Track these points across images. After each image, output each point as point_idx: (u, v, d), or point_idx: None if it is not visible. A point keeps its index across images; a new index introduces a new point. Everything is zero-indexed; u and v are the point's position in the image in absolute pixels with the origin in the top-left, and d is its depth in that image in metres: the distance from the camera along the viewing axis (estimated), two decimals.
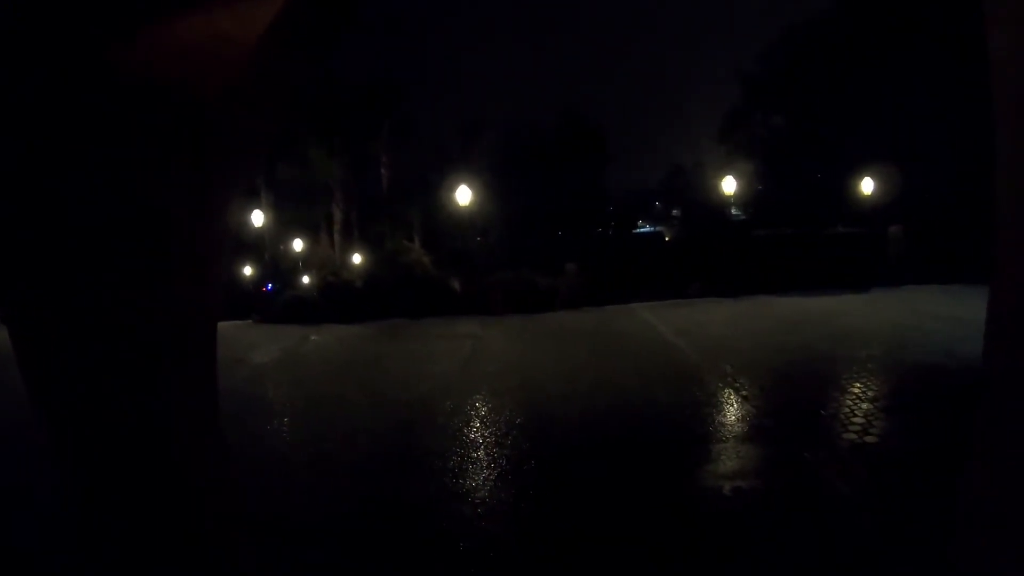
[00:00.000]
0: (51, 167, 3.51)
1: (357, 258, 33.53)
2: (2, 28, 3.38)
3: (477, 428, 9.67)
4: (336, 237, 37.62)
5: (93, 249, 3.59)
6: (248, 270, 37.25)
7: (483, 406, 10.86)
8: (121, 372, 3.70)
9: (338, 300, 27.36)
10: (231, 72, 3.55)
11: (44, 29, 3.37)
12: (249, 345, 19.48)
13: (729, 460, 7.74)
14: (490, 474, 7.74)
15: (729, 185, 29.91)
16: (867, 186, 27.82)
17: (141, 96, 3.45)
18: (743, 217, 41.50)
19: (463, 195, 27.67)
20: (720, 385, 11.04)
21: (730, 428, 9.00)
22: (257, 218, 34.03)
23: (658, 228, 60.74)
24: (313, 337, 21.59)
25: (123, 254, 3.62)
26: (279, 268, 38.17)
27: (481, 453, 8.51)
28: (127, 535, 3.84)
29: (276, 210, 36.82)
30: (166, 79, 3.44)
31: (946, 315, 16.12)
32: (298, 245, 37.41)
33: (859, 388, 10.28)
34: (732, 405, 10.02)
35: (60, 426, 3.77)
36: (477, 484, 7.46)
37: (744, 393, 10.45)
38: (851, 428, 8.33)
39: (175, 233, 3.73)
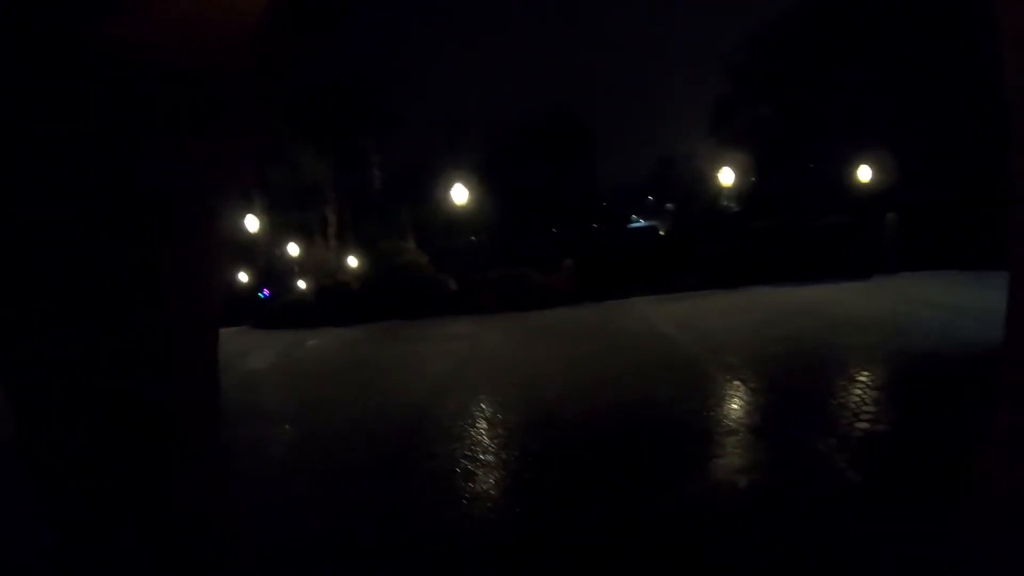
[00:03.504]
0: (32, 154, 3.32)
1: (352, 260, 33.34)
2: None
3: (479, 429, 9.52)
4: (331, 240, 37.39)
5: (78, 245, 3.41)
6: (243, 276, 36.98)
7: (485, 407, 10.72)
8: (114, 379, 3.53)
9: (334, 303, 27.21)
10: (231, 49, 3.38)
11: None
12: (244, 351, 19.33)
13: (741, 453, 7.61)
14: (494, 476, 7.61)
15: (727, 176, 29.82)
16: (863, 174, 27.73)
17: (135, 72, 3.27)
18: (736, 209, 41.33)
19: (458, 194, 27.50)
20: (726, 377, 10.91)
21: (739, 420, 8.87)
22: (251, 223, 33.71)
23: (652, 222, 60.38)
24: (310, 341, 21.42)
25: (113, 251, 3.44)
26: (274, 273, 37.92)
27: (484, 455, 8.36)
28: (113, 548, 3.68)
29: (269, 214, 36.51)
30: (163, 54, 3.26)
31: (943, 302, 16.05)
32: (293, 249, 37.11)
33: (866, 376, 10.18)
34: (739, 397, 9.90)
35: (41, 436, 3.59)
36: (481, 487, 7.32)
37: (751, 385, 10.33)
38: (862, 416, 8.21)
39: (169, 228, 3.57)
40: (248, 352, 19.20)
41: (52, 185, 3.36)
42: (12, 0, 3.20)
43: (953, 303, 15.40)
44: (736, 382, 10.57)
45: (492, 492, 7.18)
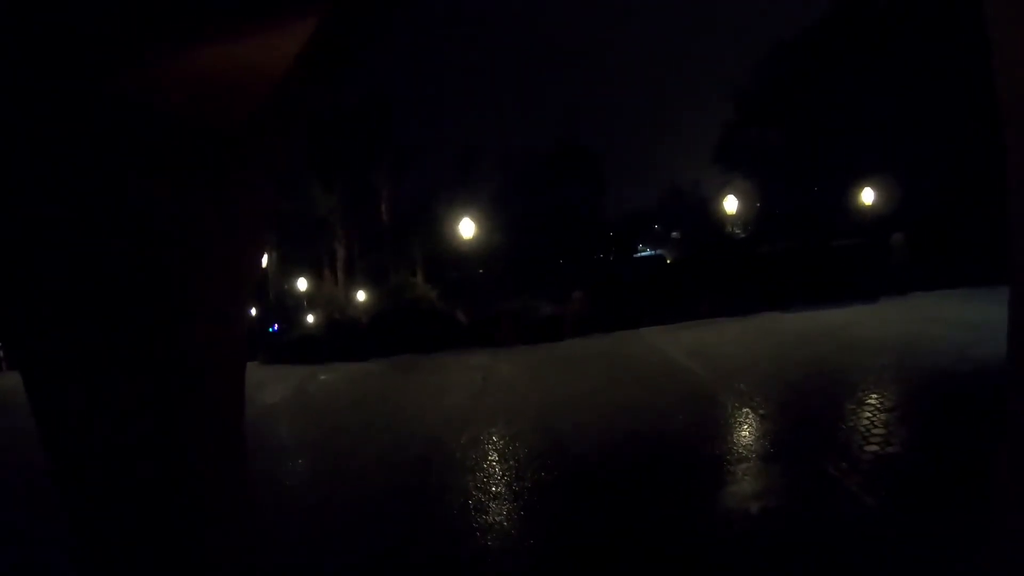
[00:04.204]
0: (66, 201, 3.39)
1: (361, 295, 33.52)
2: (16, 58, 3.26)
3: (494, 461, 9.57)
4: (340, 274, 37.59)
5: (112, 285, 3.49)
6: (252, 311, 37.17)
7: (499, 439, 10.78)
8: (141, 411, 3.59)
9: (345, 338, 27.32)
10: (256, 102, 3.50)
11: (59, 56, 3.28)
12: (257, 385, 19.40)
13: (753, 480, 7.65)
14: (510, 507, 7.65)
15: (730, 204, 29.95)
16: (867, 196, 27.84)
17: (165, 127, 3.40)
18: (743, 235, 41.38)
19: (466, 228, 27.66)
20: (737, 404, 10.94)
21: (750, 447, 8.91)
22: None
23: (659, 251, 60.46)
24: (322, 376, 21.50)
25: (144, 288, 3.52)
26: (284, 308, 38.13)
27: (499, 487, 8.41)
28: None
29: (279, 249, 36.82)
30: (190, 110, 3.38)
31: (955, 320, 16.02)
32: (302, 284, 37.35)
33: (876, 399, 10.19)
34: (750, 424, 9.93)
35: (72, 463, 3.65)
36: (497, 518, 7.38)
37: (761, 411, 10.37)
38: (872, 440, 8.24)
39: (198, 265, 3.65)
40: (262, 386, 19.29)
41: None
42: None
43: (964, 320, 15.37)
44: (746, 409, 10.60)
45: (505, 522, 7.23)
